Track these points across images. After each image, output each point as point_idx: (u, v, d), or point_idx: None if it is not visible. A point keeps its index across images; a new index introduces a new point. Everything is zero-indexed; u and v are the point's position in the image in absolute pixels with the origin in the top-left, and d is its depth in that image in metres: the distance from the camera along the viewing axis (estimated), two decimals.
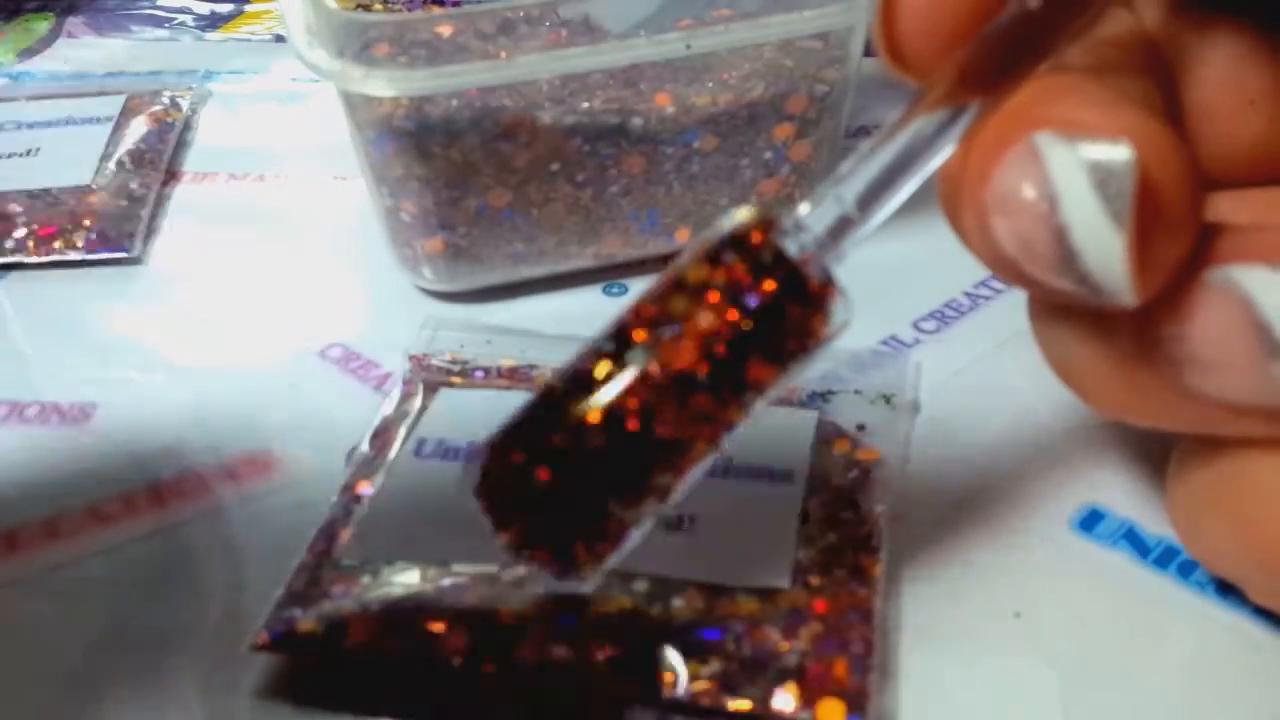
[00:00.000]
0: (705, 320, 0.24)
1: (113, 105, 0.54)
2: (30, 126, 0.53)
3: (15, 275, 0.45)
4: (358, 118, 0.40)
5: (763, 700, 0.27)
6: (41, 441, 0.37)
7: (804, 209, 0.25)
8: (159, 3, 0.67)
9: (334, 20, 0.38)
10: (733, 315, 0.24)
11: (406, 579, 0.30)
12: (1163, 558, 0.31)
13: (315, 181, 0.50)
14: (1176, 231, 0.22)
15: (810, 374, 0.36)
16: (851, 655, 0.28)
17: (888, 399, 0.36)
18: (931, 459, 0.34)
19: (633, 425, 0.24)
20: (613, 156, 0.40)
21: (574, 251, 0.42)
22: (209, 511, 0.34)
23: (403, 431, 0.35)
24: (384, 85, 0.37)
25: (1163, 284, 0.23)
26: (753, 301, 0.24)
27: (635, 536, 0.26)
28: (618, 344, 0.25)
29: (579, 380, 0.25)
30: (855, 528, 0.31)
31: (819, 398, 0.35)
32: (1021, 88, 0.23)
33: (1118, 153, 0.21)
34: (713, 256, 0.25)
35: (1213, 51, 0.25)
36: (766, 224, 0.25)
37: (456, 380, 0.37)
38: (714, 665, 0.28)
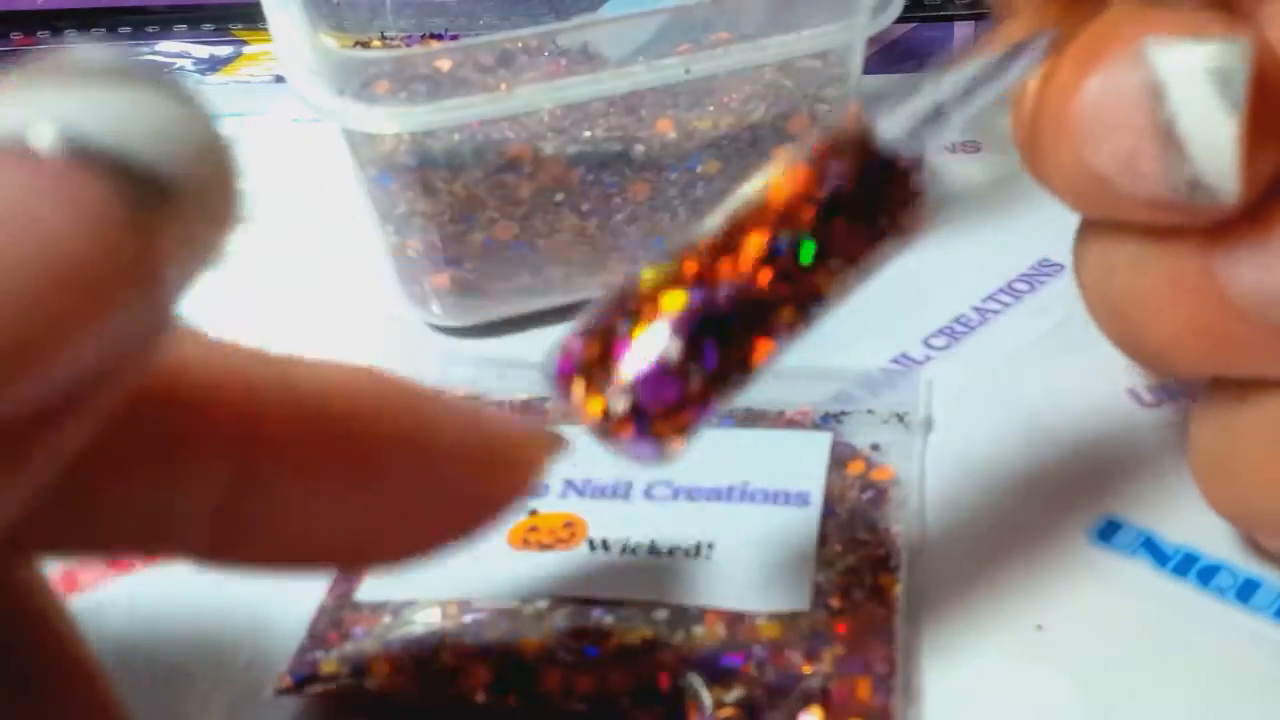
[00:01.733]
0: (798, 186, 0.25)
1: None
2: None
3: None
4: (360, 155, 0.40)
5: None
6: None
7: (894, 108, 0.25)
8: (157, 48, 0.67)
9: (333, 59, 0.39)
10: (838, 191, 0.25)
11: (427, 617, 0.30)
12: (1182, 565, 0.31)
13: (320, 221, 0.50)
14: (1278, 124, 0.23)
15: (822, 395, 0.36)
16: (875, 675, 0.28)
17: (901, 418, 0.36)
18: (947, 476, 0.34)
19: (717, 287, 0.24)
20: (616, 185, 0.40)
21: (581, 282, 0.42)
22: None
23: None
24: (385, 122, 0.37)
25: (1262, 191, 0.23)
26: (837, 176, 0.25)
27: (717, 408, 0.25)
28: (724, 227, 0.25)
29: (661, 256, 0.25)
30: (873, 548, 0.31)
31: (832, 419, 0.35)
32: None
33: (1232, 44, 0.22)
34: (815, 160, 0.25)
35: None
36: (859, 119, 0.25)
37: None
38: (738, 691, 0.28)
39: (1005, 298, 0.41)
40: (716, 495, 0.33)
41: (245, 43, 0.67)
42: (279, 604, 0.32)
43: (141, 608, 0.33)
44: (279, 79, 0.62)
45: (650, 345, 0.24)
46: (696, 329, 0.24)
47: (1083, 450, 0.34)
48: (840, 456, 0.34)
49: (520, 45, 0.41)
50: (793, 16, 0.39)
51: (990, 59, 0.25)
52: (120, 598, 0.33)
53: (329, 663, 0.29)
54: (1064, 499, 0.33)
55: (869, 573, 0.30)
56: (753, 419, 0.36)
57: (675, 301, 0.24)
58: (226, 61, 0.66)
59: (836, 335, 0.40)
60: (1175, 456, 0.30)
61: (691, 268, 0.24)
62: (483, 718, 0.28)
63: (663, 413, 0.24)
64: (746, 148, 0.41)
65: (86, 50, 0.16)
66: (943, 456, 0.35)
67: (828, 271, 0.25)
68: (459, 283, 0.41)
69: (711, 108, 0.40)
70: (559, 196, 0.40)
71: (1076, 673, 0.29)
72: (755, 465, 0.34)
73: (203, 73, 0.65)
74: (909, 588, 0.31)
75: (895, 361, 0.39)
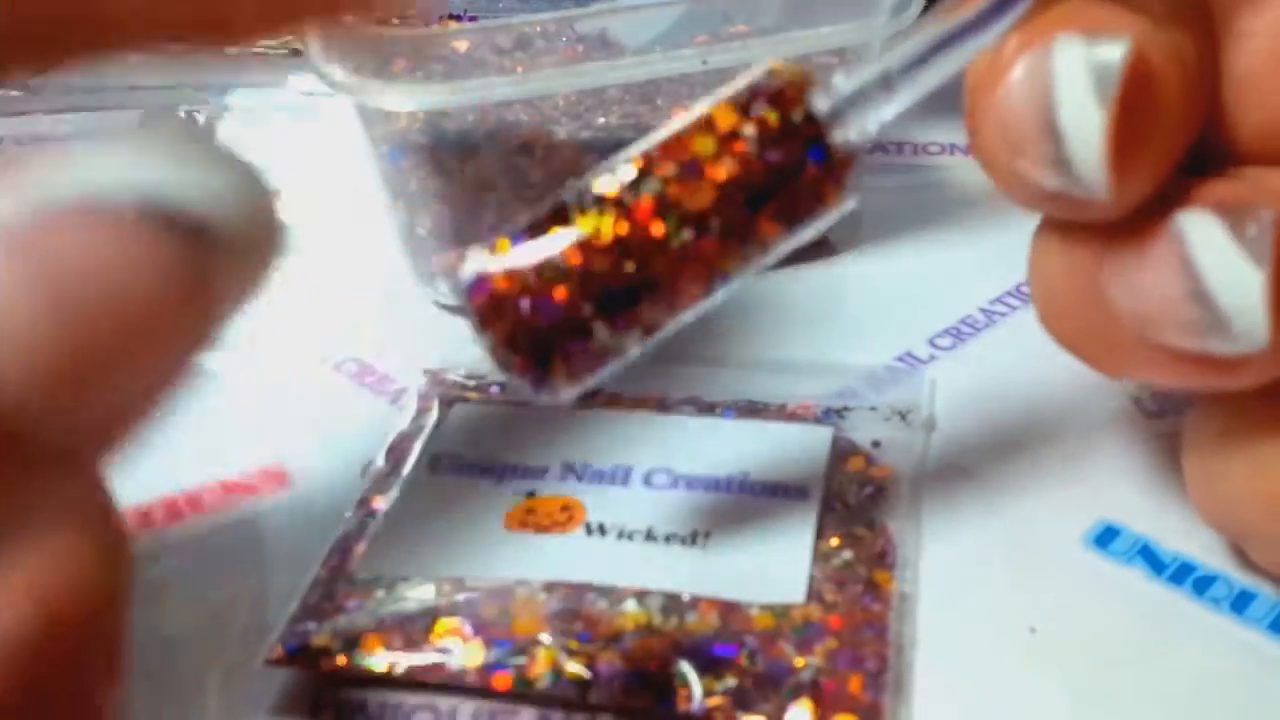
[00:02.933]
0: (726, 166, 0.25)
1: (129, 120, 0.54)
2: (46, 140, 0.53)
3: None
4: (374, 133, 0.40)
5: (777, 716, 0.27)
6: None
7: (839, 77, 0.25)
8: None
9: (351, 35, 0.39)
10: (756, 166, 0.25)
11: (421, 593, 0.30)
12: (1178, 574, 0.31)
13: (331, 196, 0.50)
14: (1157, 130, 0.24)
15: (826, 390, 0.36)
16: (866, 671, 0.28)
17: (903, 415, 0.36)
18: (947, 475, 0.34)
19: (632, 251, 0.25)
20: None
21: None
22: (224, 525, 0.34)
23: (418, 446, 0.35)
24: (400, 100, 0.37)
25: (1140, 197, 0.24)
26: (776, 156, 0.25)
27: (615, 364, 0.26)
28: (637, 171, 0.25)
29: (590, 198, 0.25)
30: (870, 544, 0.31)
31: (834, 414, 0.35)
32: None
33: (1115, 44, 0.23)
34: (744, 105, 0.25)
35: (1260, 22, 0.26)
36: (803, 83, 0.25)
37: (472, 396, 0.37)
38: (729, 681, 0.28)
39: (1012, 300, 0.41)
40: (715, 485, 0.33)
41: None
42: (273, 575, 0.32)
43: (135, 576, 0.33)
44: (295, 52, 0.62)
45: (564, 299, 0.25)
46: (610, 292, 0.25)
47: (1083, 456, 0.34)
48: (841, 452, 0.34)
49: (538, 29, 0.41)
50: (812, 13, 0.39)
51: (951, 26, 0.25)
52: None
53: (321, 635, 0.29)
54: (1062, 503, 0.33)
55: (865, 568, 0.30)
56: (755, 411, 0.36)
57: (595, 260, 0.25)
58: None
59: (842, 331, 0.41)
60: (1176, 466, 0.30)
61: (612, 226, 0.25)
62: (473, 696, 0.28)
63: (563, 361, 0.25)
64: None
65: (156, 120, 0.20)
66: (943, 456, 0.35)
67: (741, 255, 0.26)
68: None
69: None
70: (570, 182, 0.40)
71: (1067, 677, 0.29)
72: (756, 457, 0.34)
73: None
74: (904, 585, 0.31)
75: (900, 360, 0.39)
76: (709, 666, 0.28)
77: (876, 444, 0.34)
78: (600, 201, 0.25)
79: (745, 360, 0.38)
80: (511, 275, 0.25)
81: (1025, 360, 0.38)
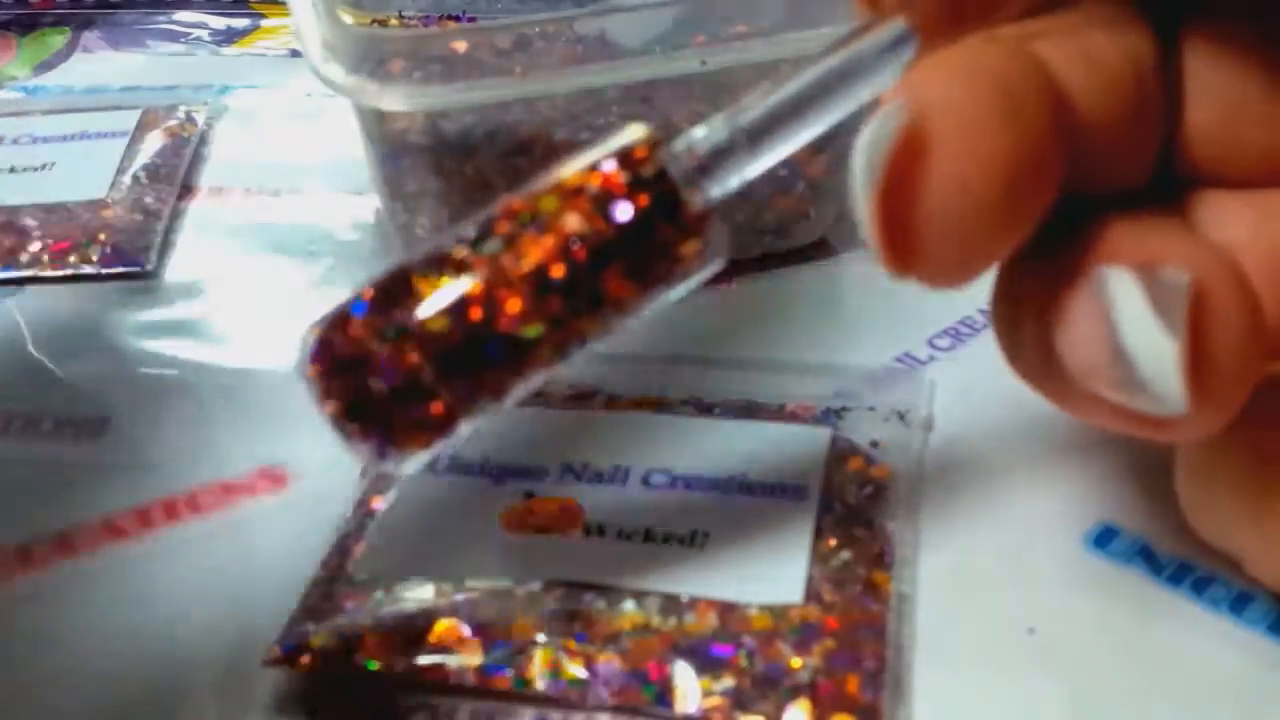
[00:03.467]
0: (570, 222, 0.24)
1: (128, 120, 0.54)
2: (45, 140, 0.53)
3: (30, 290, 0.45)
4: (372, 133, 0.40)
5: (775, 717, 0.27)
6: (55, 455, 0.37)
7: (698, 132, 0.25)
8: (175, 18, 0.67)
9: (349, 36, 0.39)
10: (599, 223, 0.24)
11: (419, 594, 0.30)
12: (1176, 575, 0.31)
13: (330, 197, 0.50)
14: (1235, 344, 0.23)
15: (825, 390, 0.36)
16: (864, 672, 0.28)
17: (902, 416, 0.36)
18: (945, 476, 0.34)
19: (476, 314, 0.24)
20: None
21: None
22: (222, 525, 0.34)
23: None
24: (399, 101, 0.37)
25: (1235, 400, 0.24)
26: (622, 212, 0.24)
27: (463, 429, 0.25)
28: (480, 231, 0.25)
29: (434, 262, 0.25)
30: (868, 544, 0.31)
31: (833, 415, 0.35)
32: (968, 35, 0.24)
33: (1178, 276, 0.22)
34: (594, 165, 0.25)
35: (1217, 76, 0.25)
36: (654, 141, 0.25)
37: None
38: (726, 681, 0.28)
39: None
40: (714, 485, 0.33)
41: (263, 16, 0.67)
42: (272, 576, 0.32)
43: (133, 576, 0.33)
44: (294, 53, 0.62)
45: (406, 364, 0.24)
46: (454, 357, 0.24)
47: (1081, 457, 0.34)
48: (840, 452, 0.34)
49: (537, 30, 0.41)
50: (812, 13, 0.39)
51: (820, 75, 0.24)
52: (112, 566, 0.33)
53: (319, 636, 0.29)
54: (1061, 504, 0.33)
55: (863, 569, 0.30)
56: (753, 412, 0.36)
57: (438, 324, 0.24)
58: (243, 34, 0.66)
59: (841, 332, 0.41)
60: (1174, 467, 0.30)
61: (454, 287, 0.24)
62: (471, 697, 0.28)
63: (405, 428, 0.25)
64: None
65: None
66: (942, 456, 0.35)
67: (593, 317, 0.25)
68: None
69: (726, 100, 0.40)
70: None
71: (1066, 677, 0.29)
72: (754, 457, 0.34)
73: (219, 44, 0.65)
74: (902, 585, 0.31)
75: (899, 360, 0.39)
76: (707, 667, 0.28)
77: (875, 444, 0.34)
78: (441, 263, 0.25)
79: (744, 360, 0.38)
80: (352, 341, 0.25)
81: None
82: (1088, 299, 0.23)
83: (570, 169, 0.25)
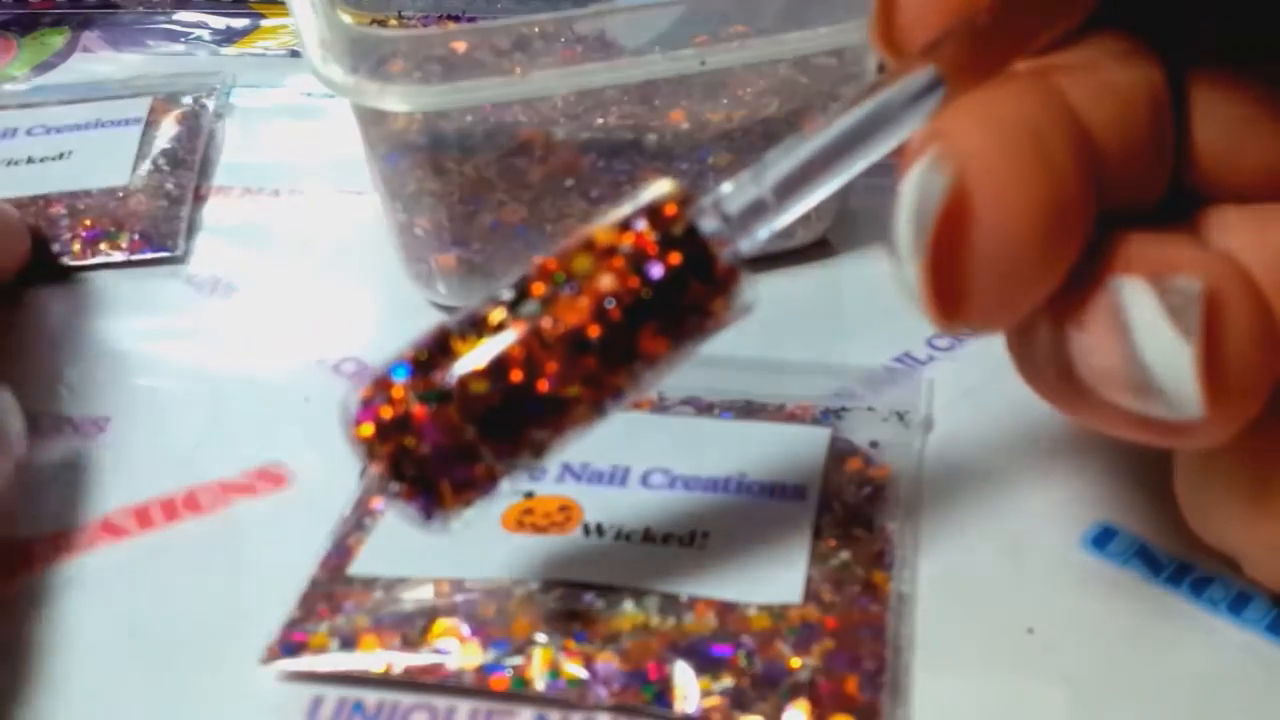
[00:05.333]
0: (605, 283, 0.25)
1: (140, 107, 0.54)
2: (59, 130, 0.53)
3: (31, 287, 0.45)
4: (372, 133, 0.40)
5: (774, 717, 0.27)
6: (55, 454, 0.37)
7: (726, 188, 0.25)
8: (175, 17, 0.67)
9: (349, 36, 0.39)
10: (633, 283, 0.25)
11: (419, 594, 0.30)
12: (1175, 575, 0.31)
13: (329, 197, 0.50)
14: (1248, 348, 0.23)
15: (824, 390, 0.36)
16: (863, 672, 0.28)
17: (901, 416, 0.36)
18: (944, 476, 0.34)
19: (516, 376, 0.25)
20: (627, 173, 0.40)
21: None
22: (222, 525, 0.34)
23: None
24: (398, 101, 0.37)
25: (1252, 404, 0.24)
26: (655, 272, 0.25)
27: (504, 486, 0.26)
28: (516, 294, 0.25)
29: (472, 324, 0.25)
30: (868, 544, 0.31)
31: (832, 415, 0.35)
32: (991, 78, 0.25)
33: (1191, 283, 0.23)
34: (625, 223, 0.25)
35: (1218, 97, 0.26)
36: (684, 199, 0.25)
37: None
38: (725, 681, 0.28)
39: None
40: (713, 485, 0.33)
41: (263, 16, 0.67)
42: (271, 575, 0.32)
43: (133, 576, 0.33)
44: (294, 53, 0.62)
45: (448, 425, 0.25)
46: (494, 418, 0.25)
47: (1080, 457, 0.34)
48: (839, 452, 0.34)
49: (537, 30, 0.41)
50: (810, 13, 0.39)
51: (853, 123, 0.25)
52: (112, 566, 0.33)
53: (318, 636, 0.29)
54: (1060, 504, 0.33)
55: (862, 569, 0.30)
56: (752, 412, 0.36)
57: (479, 386, 0.25)
58: (243, 34, 0.66)
59: (841, 332, 0.41)
60: (1173, 467, 0.30)
61: (493, 349, 0.25)
62: (470, 696, 0.28)
63: (451, 487, 0.25)
64: (759, 141, 0.41)
65: None
66: (941, 456, 0.35)
67: (628, 374, 0.25)
68: (465, 264, 0.41)
69: (725, 100, 0.40)
70: (569, 182, 0.40)
71: (1065, 677, 0.29)
72: (753, 457, 0.34)
73: (219, 44, 0.65)
74: (901, 585, 0.31)
75: (898, 360, 0.39)
76: (706, 667, 0.28)
77: (874, 444, 0.34)
78: (480, 325, 0.25)
79: (743, 360, 0.38)
80: (395, 404, 0.25)
81: None
82: (1104, 308, 0.24)
83: (601, 226, 0.25)
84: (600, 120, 0.40)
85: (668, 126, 0.40)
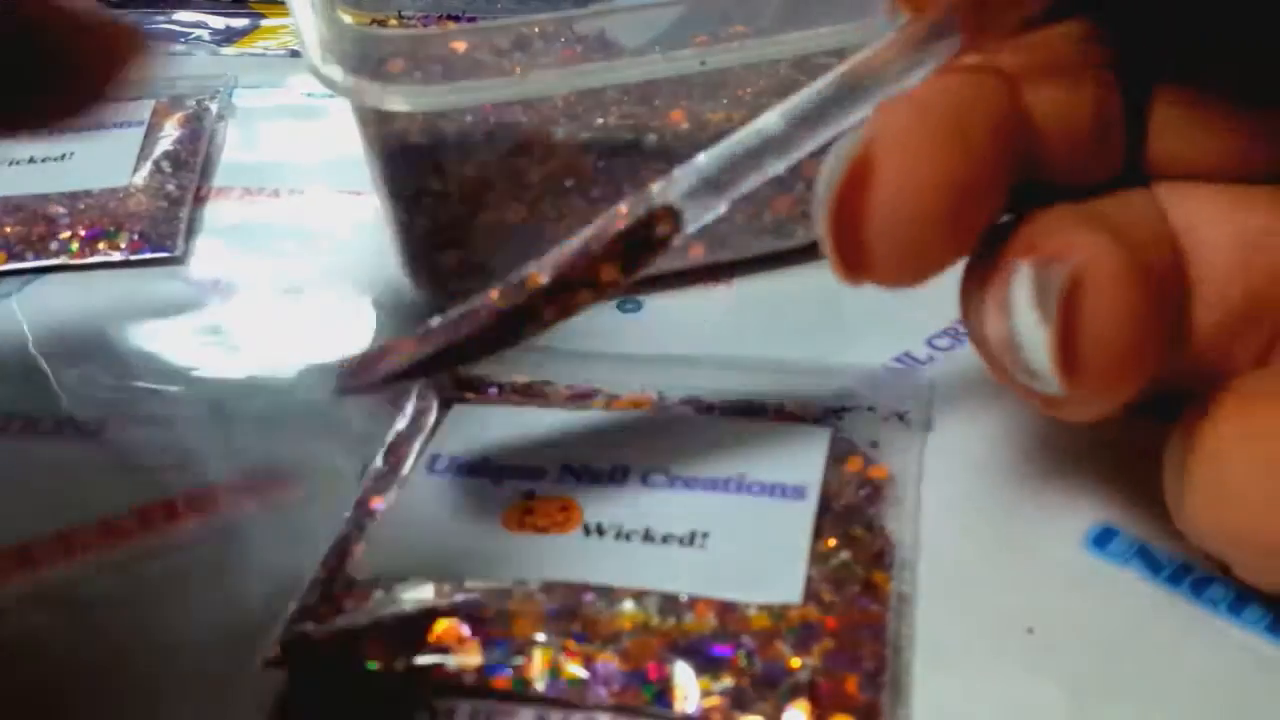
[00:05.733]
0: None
1: (143, 109, 0.54)
2: (61, 131, 0.53)
3: (33, 286, 0.45)
4: (371, 133, 0.40)
5: (774, 717, 0.27)
6: (55, 455, 0.37)
7: (702, 158, 0.31)
8: (175, 18, 0.67)
9: (349, 36, 0.39)
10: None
11: (419, 594, 0.30)
12: (1175, 575, 0.31)
13: (329, 197, 0.50)
14: (1109, 330, 0.25)
15: (824, 391, 0.36)
16: (863, 672, 0.28)
17: (901, 416, 0.36)
18: (944, 476, 0.34)
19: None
20: (627, 173, 0.40)
21: None
22: (222, 526, 0.34)
23: (416, 447, 0.35)
24: (398, 101, 0.37)
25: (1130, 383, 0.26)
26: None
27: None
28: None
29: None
30: (867, 545, 0.31)
31: (832, 415, 0.35)
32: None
33: (1059, 269, 0.25)
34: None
35: (1179, 86, 0.28)
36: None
37: (470, 396, 0.37)
38: (725, 681, 0.28)
39: None
40: (713, 485, 0.33)
41: (263, 15, 0.67)
42: (271, 576, 0.32)
43: (132, 577, 0.33)
44: (294, 53, 0.62)
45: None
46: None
47: (1081, 457, 0.34)
48: (839, 452, 0.34)
49: (537, 30, 0.41)
50: (810, 13, 0.39)
51: (855, 75, 0.28)
52: (111, 567, 0.33)
53: (319, 636, 0.29)
54: (1060, 504, 0.33)
55: (862, 569, 0.30)
56: (752, 412, 0.36)
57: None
58: (243, 33, 0.66)
59: (841, 332, 0.41)
60: None
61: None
62: (470, 696, 0.28)
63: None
64: None
65: None
66: (941, 456, 0.35)
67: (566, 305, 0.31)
68: (465, 263, 0.41)
69: (725, 100, 0.40)
70: (569, 182, 0.40)
71: (1065, 677, 0.29)
72: (753, 457, 0.34)
73: (219, 44, 0.65)
74: (901, 585, 0.31)
75: (898, 360, 0.39)
76: (706, 667, 0.28)
77: (874, 444, 0.34)
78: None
79: (743, 360, 0.38)
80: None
81: None
82: (1000, 285, 0.26)
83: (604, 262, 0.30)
84: (600, 120, 0.40)
85: (668, 126, 0.40)
